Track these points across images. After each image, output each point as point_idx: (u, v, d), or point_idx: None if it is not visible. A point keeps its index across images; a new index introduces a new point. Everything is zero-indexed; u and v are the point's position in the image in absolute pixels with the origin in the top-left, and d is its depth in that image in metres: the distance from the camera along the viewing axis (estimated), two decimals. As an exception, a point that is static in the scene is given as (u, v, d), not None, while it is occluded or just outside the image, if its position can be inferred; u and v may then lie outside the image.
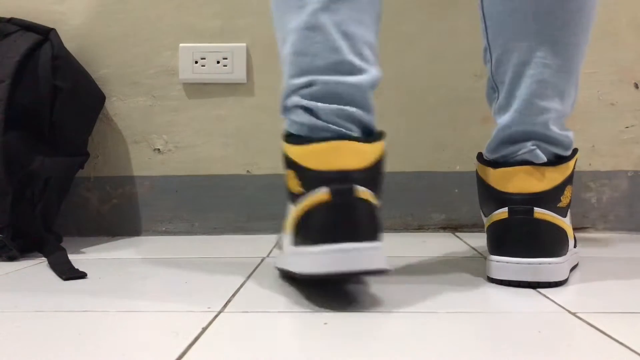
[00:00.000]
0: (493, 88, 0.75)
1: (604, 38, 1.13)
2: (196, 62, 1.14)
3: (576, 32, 0.71)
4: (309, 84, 0.64)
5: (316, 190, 0.59)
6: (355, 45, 0.64)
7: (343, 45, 0.63)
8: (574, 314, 0.57)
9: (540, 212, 0.68)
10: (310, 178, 0.60)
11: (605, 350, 0.47)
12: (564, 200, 0.71)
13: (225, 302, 0.62)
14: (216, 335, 0.52)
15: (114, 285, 0.72)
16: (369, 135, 0.65)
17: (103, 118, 1.16)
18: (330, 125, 0.62)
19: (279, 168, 1.14)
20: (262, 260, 0.86)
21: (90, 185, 1.16)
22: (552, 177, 0.69)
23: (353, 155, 0.60)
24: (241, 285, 0.70)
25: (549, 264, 0.67)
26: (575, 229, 1.13)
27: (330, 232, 0.57)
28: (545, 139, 0.70)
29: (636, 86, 1.13)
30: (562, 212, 0.70)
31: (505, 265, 0.68)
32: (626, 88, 1.13)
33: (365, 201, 0.59)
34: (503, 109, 0.72)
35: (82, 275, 0.76)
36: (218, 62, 1.14)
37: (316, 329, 0.53)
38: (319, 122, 0.63)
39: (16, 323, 0.56)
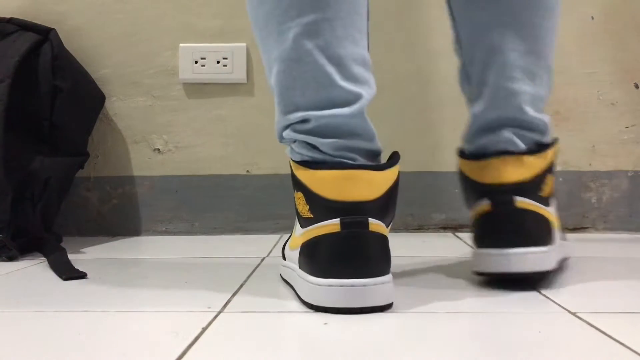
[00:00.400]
0: (465, 78, 0.74)
1: (604, 38, 1.13)
2: (196, 62, 1.14)
3: (540, 13, 0.70)
4: (303, 120, 0.61)
5: (327, 220, 0.57)
6: (344, 68, 0.61)
7: (332, 71, 0.60)
8: (574, 314, 0.57)
9: (522, 202, 0.66)
10: (320, 206, 0.58)
11: (605, 350, 0.47)
12: (546, 189, 0.69)
13: (225, 302, 0.62)
14: (216, 335, 0.52)
15: (114, 285, 0.72)
16: (376, 158, 0.64)
17: (103, 118, 1.16)
18: (334, 158, 0.60)
19: (279, 168, 1.15)
20: (262, 260, 0.86)
21: (90, 185, 1.16)
22: (532, 166, 0.68)
23: (365, 186, 0.58)
24: (241, 285, 0.70)
25: (534, 253, 0.65)
26: (575, 229, 1.14)
27: (340, 266, 0.56)
28: (520, 123, 0.69)
29: (636, 86, 1.13)
30: (545, 202, 0.69)
31: (491, 257, 0.66)
32: (626, 88, 1.13)
33: (376, 234, 0.57)
34: (476, 97, 0.71)
35: (82, 275, 0.76)
36: (218, 62, 1.14)
37: (316, 329, 0.53)
38: (322, 156, 0.61)
39: (16, 323, 0.56)
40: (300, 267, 0.61)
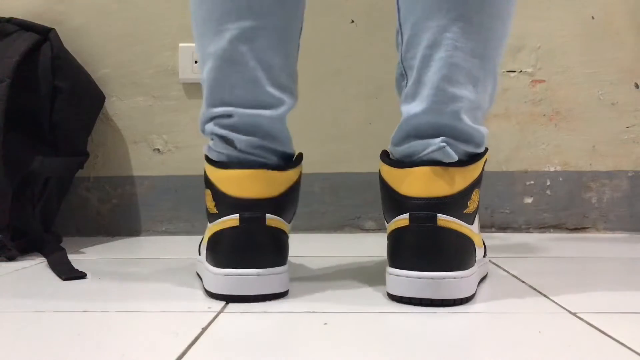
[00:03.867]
0: (402, 74, 0.67)
1: (604, 38, 1.13)
2: (196, 62, 1.14)
3: (491, 13, 0.63)
4: (227, 115, 0.65)
5: (228, 215, 0.62)
6: (273, 75, 0.65)
7: (262, 76, 0.64)
8: (574, 314, 0.57)
9: (444, 219, 0.59)
10: (224, 203, 0.63)
11: (605, 350, 0.47)
12: (471, 205, 0.63)
13: (225, 302, 0.62)
14: (216, 335, 0.52)
15: (114, 285, 0.72)
16: (287, 160, 0.67)
17: (103, 118, 1.16)
18: (247, 156, 0.64)
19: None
20: (262, 260, 0.86)
21: (90, 185, 1.16)
22: (461, 180, 0.61)
23: (265, 184, 0.63)
24: (241, 285, 0.70)
25: (454, 278, 0.59)
26: (575, 229, 1.14)
27: (238, 258, 0.61)
28: (455, 133, 0.62)
29: (636, 86, 1.13)
30: (469, 219, 0.63)
31: (404, 280, 0.60)
32: (626, 88, 1.13)
33: (272, 229, 0.62)
34: (411, 96, 0.64)
35: (81, 276, 0.76)
36: (218, 62, 1.14)
37: (316, 329, 0.53)
38: (236, 153, 0.65)
39: (16, 323, 0.56)
40: (206, 260, 0.65)
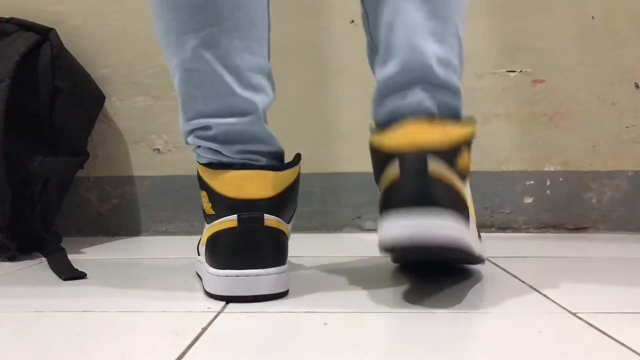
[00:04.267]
0: (373, 49, 0.70)
1: (604, 38, 1.13)
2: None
3: None
4: (204, 127, 0.65)
5: (225, 216, 0.62)
6: (242, 77, 0.64)
7: (231, 80, 0.63)
8: (574, 314, 0.57)
9: (437, 167, 0.56)
10: (221, 204, 0.63)
11: (605, 350, 0.47)
12: (461, 163, 0.61)
13: (224, 302, 0.62)
14: (216, 335, 0.52)
15: (114, 285, 0.72)
16: (278, 159, 0.67)
17: (103, 118, 1.16)
18: (237, 161, 0.64)
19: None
20: (262, 260, 0.86)
21: (90, 185, 1.16)
22: (447, 132, 0.59)
23: (262, 184, 0.62)
24: (241, 285, 0.70)
25: (444, 225, 0.55)
26: (575, 229, 1.14)
27: (236, 258, 0.61)
28: (430, 80, 0.63)
29: (636, 86, 1.13)
30: (460, 176, 0.60)
31: (401, 223, 0.55)
32: (626, 88, 1.13)
33: (271, 229, 0.62)
34: (383, 62, 0.65)
35: (81, 276, 0.76)
36: (218, 62, 1.14)
37: (316, 329, 0.53)
38: (225, 159, 0.65)
39: (16, 323, 0.56)
40: (206, 261, 0.65)
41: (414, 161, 0.56)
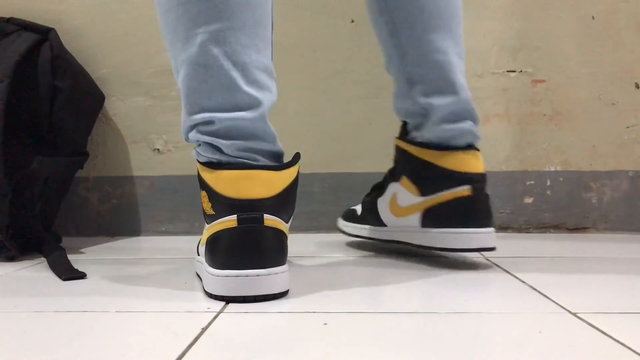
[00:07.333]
0: (409, 80, 0.82)
1: (604, 38, 1.13)
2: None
3: (458, 21, 0.81)
4: (207, 122, 0.65)
5: (225, 216, 0.62)
6: (248, 74, 0.65)
7: (237, 76, 0.64)
8: (574, 314, 0.57)
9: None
10: (221, 204, 0.63)
11: (605, 350, 0.47)
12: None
13: (224, 303, 0.62)
14: (216, 336, 0.52)
15: (113, 285, 0.72)
16: (277, 159, 0.67)
17: (103, 118, 1.16)
18: (236, 159, 0.64)
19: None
20: (262, 260, 0.86)
21: (90, 185, 1.16)
22: (482, 161, 0.81)
23: (262, 184, 0.63)
24: (241, 285, 0.70)
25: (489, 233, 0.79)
26: (575, 229, 1.14)
27: (237, 259, 0.61)
28: (473, 117, 0.80)
29: (637, 86, 1.13)
30: None
31: (458, 235, 0.78)
32: (627, 88, 1.13)
33: (271, 229, 0.62)
34: (438, 92, 0.79)
35: (81, 276, 0.76)
36: (218, 62, 1.14)
37: (316, 329, 0.53)
38: (225, 157, 0.65)
39: (16, 323, 0.56)
40: (205, 261, 0.65)
41: (480, 184, 0.79)
